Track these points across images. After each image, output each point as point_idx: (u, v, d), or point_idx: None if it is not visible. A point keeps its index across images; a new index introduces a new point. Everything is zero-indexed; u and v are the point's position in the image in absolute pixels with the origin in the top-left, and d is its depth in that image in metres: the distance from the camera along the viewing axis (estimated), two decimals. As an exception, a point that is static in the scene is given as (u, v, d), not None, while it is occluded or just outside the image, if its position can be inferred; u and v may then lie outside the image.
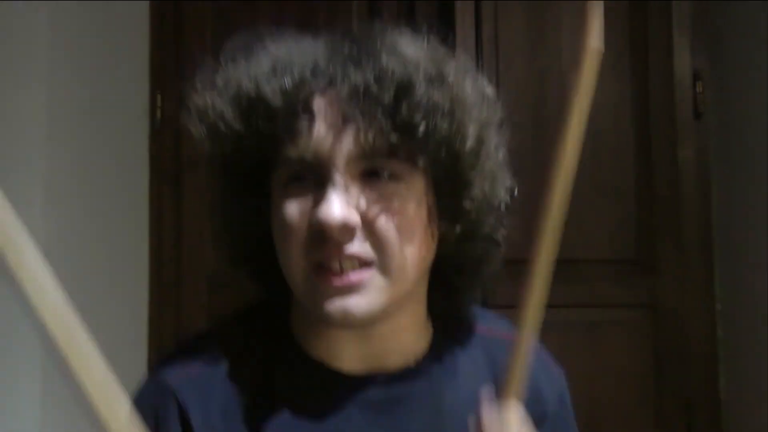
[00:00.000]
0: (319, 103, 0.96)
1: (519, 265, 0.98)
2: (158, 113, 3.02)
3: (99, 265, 2.68)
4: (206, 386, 1.04)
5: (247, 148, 0.99)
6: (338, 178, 0.95)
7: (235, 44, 1.05)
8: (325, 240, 0.95)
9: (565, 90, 2.89)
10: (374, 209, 0.97)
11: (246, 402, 1.04)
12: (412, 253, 0.99)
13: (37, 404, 2.34)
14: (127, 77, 2.95)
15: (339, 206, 0.94)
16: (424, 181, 1.00)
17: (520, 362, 0.89)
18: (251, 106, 0.97)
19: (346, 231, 0.95)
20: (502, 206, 1.07)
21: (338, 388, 1.06)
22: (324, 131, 0.95)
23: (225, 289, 2.86)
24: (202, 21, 3.06)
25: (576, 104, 0.88)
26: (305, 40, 1.04)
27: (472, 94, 1.01)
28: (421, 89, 0.95)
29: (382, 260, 0.98)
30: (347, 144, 0.95)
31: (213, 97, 1.00)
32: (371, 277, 0.98)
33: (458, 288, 1.12)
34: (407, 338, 1.09)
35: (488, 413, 0.91)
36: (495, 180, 1.05)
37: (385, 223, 0.97)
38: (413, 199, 0.99)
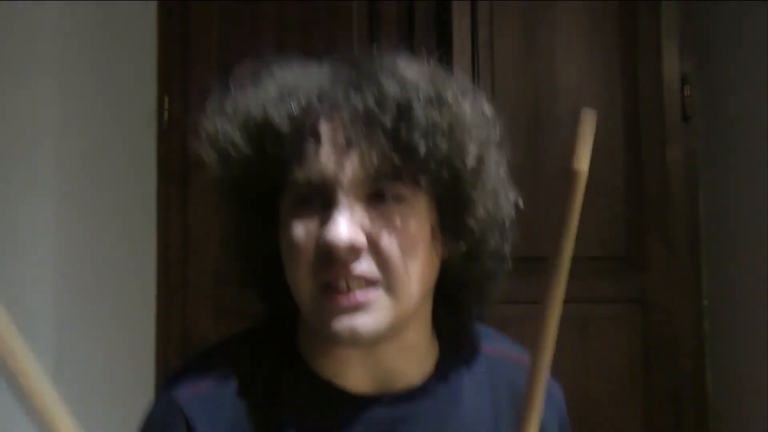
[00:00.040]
0: (324, 127, 0.96)
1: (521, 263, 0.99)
2: (165, 116, 3.03)
3: (108, 262, 2.68)
4: (215, 404, 1.04)
5: (256, 171, 0.99)
6: (344, 200, 0.95)
7: (242, 71, 1.05)
8: (332, 260, 0.95)
9: (558, 90, 2.91)
10: (379, 230, 0.97)
11: (254, 420, 1.04)
12: (417, 271, 0.99)
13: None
14: (135, 81, 2.95)
15: (345, 228, 0.94)
16: (427, 201, 1.00)
17: (537, 402, 0.87)
18: (260, 131, 0.97)
19: (353, 251, 0.95)
20: (507, 223, 1.06)
21: (344, 408, 1.05)
22: (329, 155, 0.95)
23: (230, 285, 2.86)
24: (208, 25, 3.06)
25: (565, 224, 0.88)
26: (309, 66, 1.04)
27: (471, 114, 1.01)
28: (420, 110, 0.94)
29: (387, 279, 0.97)
30: (352, 167, 0.95)
31: (223, 123, 1.01)
32: (377, 296, 0.97)
33: (464, 305, 1.12)
34: (413, 357, 1.08)
35: None
36: (497, 197, 1.04)
37: (389, 243, 0.97)
38: (417, 219, 0.99)
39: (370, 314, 0.97)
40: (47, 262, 2.36)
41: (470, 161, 0.98)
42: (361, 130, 0.94)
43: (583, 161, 0.86)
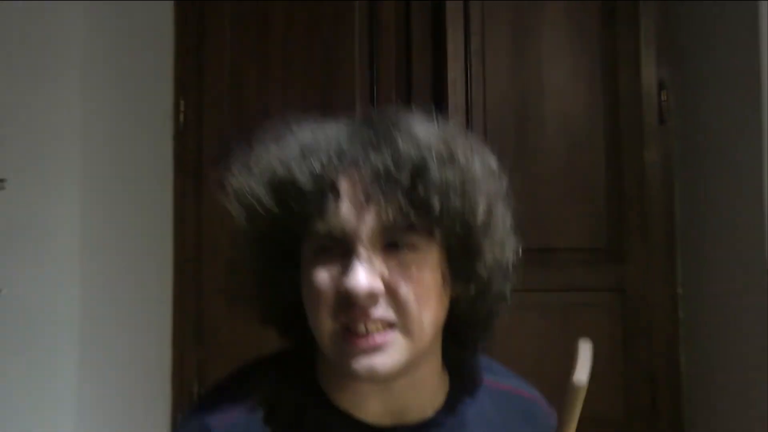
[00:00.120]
0: (343, 183, 0.96)
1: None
2: (181, 117, 3.03)
3: (128, 251, 2.69)
4: None
5: (280, 224, 1.00)
6: (363, 250, 0.96)
7: (266, 130, 1.05)
8: (351, 305, 0.96)
9: (544, 94, 2.92)
10: (395, 277, 0.97)
11: None
12: (430, 314, 1.00)
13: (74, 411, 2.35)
14: (154, 86, 2.96)
15: (364, 276, 0.95)
16: (439, 250, 1.00)
17: None
18: (284, 188, 0.98)
19: (371, 297, 0.95)
20: (510, 267, 1.06)
21: None
22: (349, 209, 0.96)
23: (241, 274, 2.87)
24: (221, 33, 3.06)
25: (565, 428, 0.92)
26: (327, 125, 1.04)
27: (480, 171, 1.01)
28: (435, 170, 0.95)
29: (403, 322, 0.98)
30: (370, 220, 0.96)
31: (249, 180, 1.01)
32: (394, 338, 0.98)
33: (470, 341, 1.12)
34: (425, 391, 1.08)
35: None
36: (504, 246, 1.04)
37: (405, 290, 0.97)
38: (429, 267, 0.99)
39: (388, 354, 0.98)
40: (73, 253, 2.37)
41: (480, 215, 0.99)
42: (378, 188, 0.95)
43: (583, 377, 0.93)
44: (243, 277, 1.11)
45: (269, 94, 3.04)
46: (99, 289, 2.48)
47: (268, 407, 1.06)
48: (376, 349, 0.97)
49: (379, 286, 0.96)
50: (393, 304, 0.97)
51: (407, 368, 1.00)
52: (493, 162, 1.05)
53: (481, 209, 0.99)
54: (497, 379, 1.17)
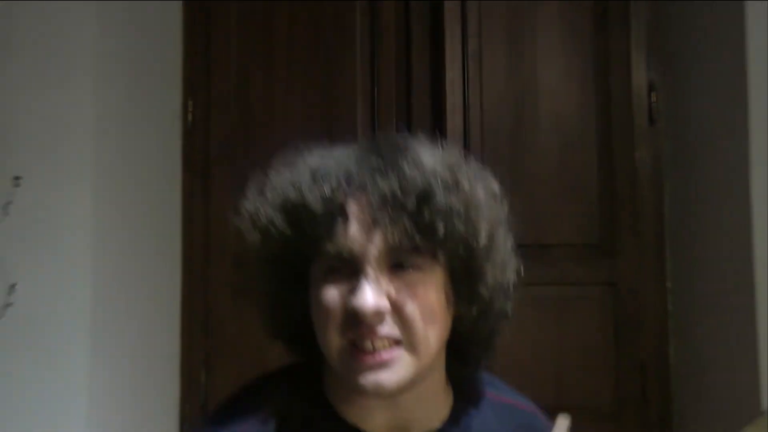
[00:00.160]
0: (352, 207, 0.97)
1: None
2: (189, 117, 3.04)
3: (138, 246, 2.70)
4: None
5: (292, 246, 1.01)
6: (370, 271, 0.97)
7: (279, 159, 1.06)
8: (359, 322, 0.96)
9: (538, 95, 2.93)
10: (401, 296, 0.98)
11: None
12: (434, 332, 1.00)
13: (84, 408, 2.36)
14: (163, 87, 2.96)
15: (372, 295, 0.95)
16: (443, 271, 1.01)
17: None
18: (296, 210, 0.99)
19: (378, 316, 0.96)
20: (511, 287, 1.07)
21: None
22: (357, 231, 0.97)
23: (247, 269, 2.88)
24: (227, 38, 3.07)
25: None
26: (336, 150, 1.05)
27: (482, 196, 1.02)
28: (440, 196, 0.96)
29: (409, 339, 0.99)
30: (377, 243, 0.97)
31: (263, 204, 1.02)
32: (400, 354, 0.99)
33: (472, 357, 1.12)
34: (430, 405, 1.09)
35: None
36: (505, 268, 1.05)
37: (410, 308, 0.98)
38: (434, 287, 1.00)
39: (394, 370, 0.98)
40: (85, 248, 2.38)
41: (482, 239, 1.00)
42: (386, 212, 0.96)
43: None
44: (253, 296, 1.11)
45: (274, 94, 3.04)
46: (110, 283, 2.48)
47: (278, 419, 1.06)
48: (383, 365, 0.98)
49: (385, 304, 0.97)
50: (399, 322, 0.98)
51: (413, 383, 1.01)
52: (495, 187, 1.06)
53: (483, 233, 1.00)
54: (498, 393, 1.18)
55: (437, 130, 2.96)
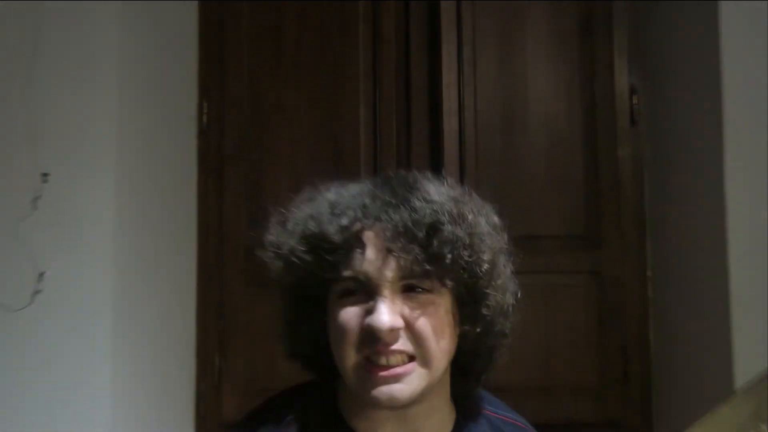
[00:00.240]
0: (368, 236, 1.01)
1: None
2: (204, 118, 3.04)
3: (157, 238, 2.71)
4: None
5: (312, 272, 1.03)
6: (386, 292, 1.00)
7: (299, 197, 1.09)
8: (375, 340, 0.99)
9: (528, 99, 2.93)
10: (413, 315, 1.00)
11: None
12: (443, 347, 1.03)
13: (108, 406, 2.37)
14: (180, 90, 2.97)
15: (387, 314, 0.98)
16: (449, 294, 1.04)
17: None
18: (316, 240, 1.02)
19: (393, 333, 0.99)
20: (510, 309, 1.10)
21: None
22: (373, 258, 1.00)
23: (258, 260, 2.89)
24: (240, 45, 3.06)
25: None
26: (351, 186, 1.08)
27: (485, 227, 1.05)
28: (447, 228, 0.99)
29: (421, 354, 1.01)
30: (391, 269, 0.99)
31: (286, 236, 1.05)
32: (413, 368, 1.01)
33: (474, 373, 1.14)
34: (436, 418, 1.10)
35: None
36: (505, 291, 1.08)
37: (422, 325, 1.00)
38: (442, 307, 1.03)
39: (407, 383, 1.01)
40: (108, 239, 2.39)
41: (485, 266, 1.02)
42: (398, 241, 0.99)
43: None
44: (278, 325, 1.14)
45: (283, 97, 3.04)
46: (131, 272, 2.49)
47: (294, 430, 1.08)
48: (397, 378, 1.00)
49: (399, 323, 1.00)
50: (412, 338, 1.01)
51: (423, 396, 1.03)
52: (495, 219, 1.09)
53: (485, 260, 1.03)
54: (496, 410, 1.19)
55: (435, 130, 2.99)
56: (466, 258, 1.01)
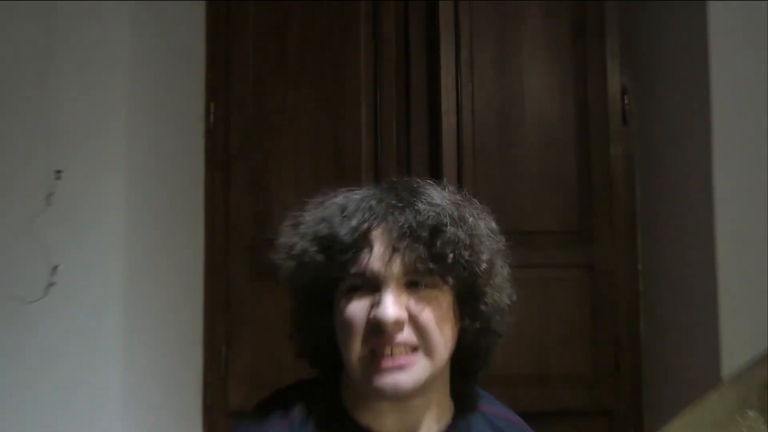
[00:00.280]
0: (375, 236, 1.04)
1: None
2: (211, 118, 3.04)
3: (166, 233, 2.71)
4: None
5: (322, 271, 1.06)
6: (390, 288, 1.03)
7: (310, 202, 1.13)
8: (380, 332, 1.02)
9: (523, 98, 2.93)
10: (417, 308, 1.04)
11: None
12: (446, 340, 1.06)
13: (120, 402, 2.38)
14: (188, 91, 2.97)
15: (392, 308, 1.01)
16: (450, 292, 1.07)
17: None
18: (327, 240, 1.05)
19: (398, 325, 1.02)
20: (506, 308, 1.13)
21: None
22: (379, 256, 1.03)
23: (264, 254, 2.89)
24: (245, 48, 3.06)
25: None
26: (358, 191, 1.11)
27: (484, 230, 1.09)
28: (449, 230, 1.03)
29: (425, 345, 1.04)
30: (396, 266, 1.03)
31: (297, 238, 1.09)
32: (417, 359, 1.04)
33: (471, 371, 1.17)
34: (435, 412, 1.12)
35: None
36: (502, 291, 1.12)
37: (426, 317, 1.04)
38: (444, 302, 1.06)
39: (410, 373, 1.03)
40: (118, 234, 2.40)
41: (483, 265, 1.06)
42: (404, 241, 1.02)
43: None
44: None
45: (287, 97, 3.04)
46: (141, 265, 2.50)
47: (301, 423, 1.10)
48: (401, 368, 1.03)
49: (404, 315, 1.03)
50: (416, 330, 1.04)
51: (425, 388, 1.06)
52: (492, 224, 1.12)
53: (484, 260, 1.06)
54: (492, 407, 1.21)
55: (434, 129, 2.99)
56: (467, 257, 1.04)
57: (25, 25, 2.38)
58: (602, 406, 2.91)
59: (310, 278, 1.08)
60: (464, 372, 1.15)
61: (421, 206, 1.04)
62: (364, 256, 1.04)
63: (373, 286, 1.04)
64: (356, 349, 1.04)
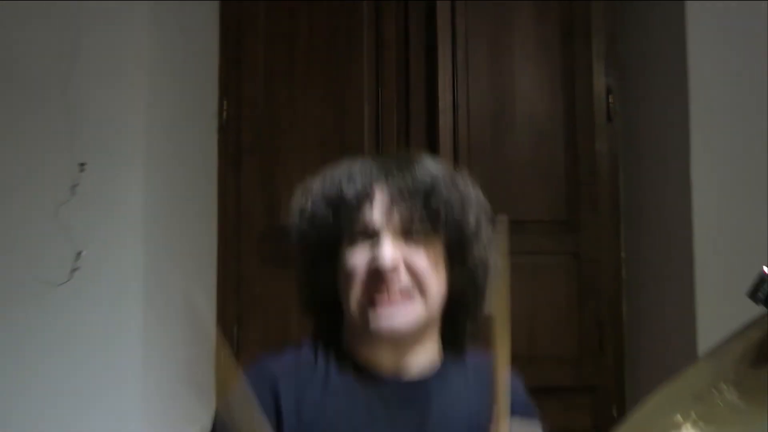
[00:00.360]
0: (376, 196, 1.11)
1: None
2: (224, 115, 3.04)
3: (182, 222, 2.72)
4: (291, 372, 1.14)
5: (330, 228, 1.12)
6: (388, 237, 1.09)
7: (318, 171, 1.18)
8: (378, 278, 1.08)
9: (515, 97, 2.92)
10: (412, 254, 1.10)
11: (315, 386, 1.13)
12: (438, 284, 1.12)
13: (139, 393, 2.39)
14: (202, 90, 2.97)
15: (389, 253, 1.08)
16: (441, 245, 1.12)
17: (502, 395, 0.98)
18: (336, 199, 1.12)
19: (394, 269, 1.08)
20: (491, 265, 1.15)
21: (377, 383, 1.14)
22: (380, 212, 1.10)
23: (273, 242, 2.91)
24: (256, 48, 3.06)
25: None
26: (360, 160, 1.17)
27: (471, 195, 1.14)
28: (442, 191, 1.10)
29: (419, 287, 1.10)
30: (394, 221, 1.10)
31: (311, 198, 1.15)
32: (412, 301, 1.09)
33: (460, 321, 1.20)
34: (427, 355, 1.17)
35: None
36: (486, 247, 1.15)
37: (420, 263, 1.10)
38: (437, 251, 1.12)
39: (406, 314, 1.09)
40: (138, 223, 2.41)
41: (471, 223, 1.12)
42: (401, 200, 1.09)
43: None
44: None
45: (295, 96, 3.05)
46: (159, 251, 2.50)
47: (307, 361, 1.16)
48: (397, 309, 1.08)
49: (400, 259, 1.08)
50: (411, 275, 1.09)
51: (419, 331, 1.12)
52: (479, 193, 1.17)
53: (472, 220, 1.12)
54: (475, 353, 1.23)
55: (431, 126, 2.99)
56: (457, 216, 1.10)
57: (51, 28, 2.38)
58: (587, 382, 2.92)
59: (319, 235, 1.13)
60: (453, 323, 1.19)
61: (417, 172, 1.11)
62: (367, 211, 1.10)
63: (373, 239, 1.09)
64: (356, 294, 1.10)
